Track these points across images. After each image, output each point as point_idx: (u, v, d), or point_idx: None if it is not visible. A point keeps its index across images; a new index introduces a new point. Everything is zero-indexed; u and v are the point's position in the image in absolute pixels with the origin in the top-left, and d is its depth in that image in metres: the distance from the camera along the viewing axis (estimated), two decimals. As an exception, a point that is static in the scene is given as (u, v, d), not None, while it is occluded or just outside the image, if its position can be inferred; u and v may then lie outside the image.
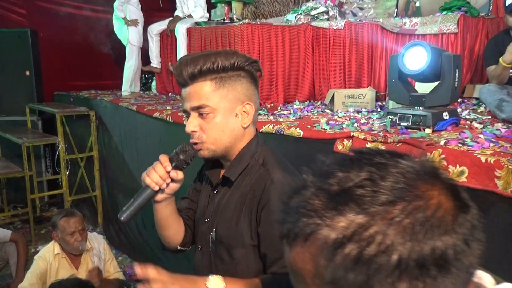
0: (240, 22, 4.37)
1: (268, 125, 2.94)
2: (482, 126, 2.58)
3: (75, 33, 6.24)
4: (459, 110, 3.05)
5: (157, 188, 1.25)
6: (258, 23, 4.38)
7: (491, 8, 3.90)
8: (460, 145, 2.16)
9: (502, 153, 2.00)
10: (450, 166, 2.02)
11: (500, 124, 2.60)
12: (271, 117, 3.32)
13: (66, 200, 5.11)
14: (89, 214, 5.45)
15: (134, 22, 5.27)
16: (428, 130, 2.46)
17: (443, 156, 2.06)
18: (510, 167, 1.84)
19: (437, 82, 2.62)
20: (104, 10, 6.33)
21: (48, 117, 5.60)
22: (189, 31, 4.76)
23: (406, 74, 2.64)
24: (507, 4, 2.99)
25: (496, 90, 2.87)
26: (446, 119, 2.55)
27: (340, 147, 2.47)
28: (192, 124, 1.26)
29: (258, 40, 4.12)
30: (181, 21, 4.92)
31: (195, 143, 1.28)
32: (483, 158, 1.94)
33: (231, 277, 1.20)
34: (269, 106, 3.86)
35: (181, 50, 4.83)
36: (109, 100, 4.93)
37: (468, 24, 3.61)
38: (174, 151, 1.28)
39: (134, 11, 5.34)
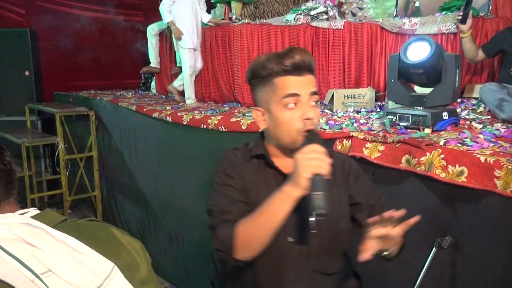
0: (240, 22, 4.37)
1: (267, 125, 2.93)
2: (481, 126, 2.58)
3: (74, 33, 6.24)
4: (458, 110, 3.05)
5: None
6: (257, 23, 4.37)
7: (490, 8, 3.90)
8: (459, 145, 2.16)
9: (501, 153, 2.00)
10: (449, 166, 2.02)
11: (499, 124, 2.60)
12: (271, 117, 3.31)
13: (65, 200, 5.11)
14: (89, 214, 5.45)
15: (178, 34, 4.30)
16: (427, 130, 2.46)
17: (442, 156, 2.06)
18: (509, 167, 1.84)
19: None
20: (104, 10, 6.32)
21: (48, 117, 5.60)
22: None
23: (407, 69, 2.62)
24: None
25: (496, 89, 2.87)
26: (445, 119, 2.55)
27: (339, 147, 2.47)
28: (315, 111, 1.32)
29: (257, 40, 4.12)
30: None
31: (309, 130, 1.29)
32: (482, 158, 1.94)
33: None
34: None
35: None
36: (109, 100, 4.92)
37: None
38: (306, 140, 1.24)
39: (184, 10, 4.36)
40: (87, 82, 6.45)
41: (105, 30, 6.22)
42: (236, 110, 3.77)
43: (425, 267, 2.04)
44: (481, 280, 1.98)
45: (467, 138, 2.27)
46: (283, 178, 1.34)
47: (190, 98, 4.34)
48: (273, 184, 1.35)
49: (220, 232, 1.27)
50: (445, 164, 2.04)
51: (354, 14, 4.76)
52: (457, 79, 2.54)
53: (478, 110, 3.09)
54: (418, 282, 2.03)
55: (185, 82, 4.35)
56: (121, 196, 4.83)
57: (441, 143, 2.19)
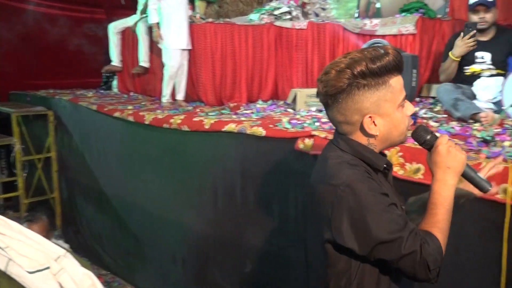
0: (204, 21, 4.34)
1: (230, 124, 2.93)
2: (438, 124, 2.65)
3: (32, 31, 6.03)
4: (416, 109, 3.12)
5: None
6: (221, 22, 4.36)
7: (447, 10, 4.02)
8: (416, 143, 2.21)
9: (456, 151, 2.05)
10: (407, 164, 2.07)
11: (454, 123, 2.68)
12: (234, 116, 3.32)
13: (22, 203, 4.94)
14: (47, 216, 5.28)
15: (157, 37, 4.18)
16: (387, 129, 2.50)
17: (401, 154, 2.10)
18: (463, 164, 1.89)
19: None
20: (63, 7, 6.16)
21: (4, 117, 5.39)
22: (151, 30, 4.67)
23: None
24: (470, 3, 3.09)
25: (452, 89, 2.96)
26: (404, 118, 2.60)
27: (301, 146, 2.49)
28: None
29: (221, 39, 4.11)
30: (143, 19, 4.83)
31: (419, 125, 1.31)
32: (438, 156, 1.99)
33: None
34: (232, 105, 3.85)
35: (143, 49, 4.75)
36: (68, 99, 4.80)
37: (425, 26, 3.70)
38: (425, 135, 1.27)
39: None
40: (46, 81, 6.24)
41: (64, 28, 6.04)
42: (199, 110, 3.74)
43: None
44: (443, 269, 2.04)
45: (424, 136, 2.32)
46: (382, 175, 1.30)
47: (165, 96, 4.25)
48: (385, 184, 1.30)
49: (428, 251, 1.11)
50: (403, 161, 2.09)
51: (317, 15, 4.81)
52: (413, 79, 2.60)
53: (435, 109, 3.17)
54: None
55: (164, 80, 4.23)
56: (82, 197, 4.71)
57: (400, 141, 2.24)
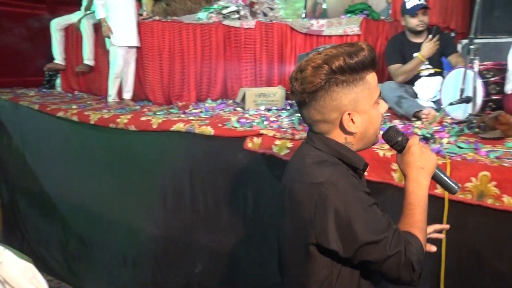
0: (151, 19, 4.27)
1: (179, 123, 2.91)
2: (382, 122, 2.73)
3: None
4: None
5: None
6: (169, 20, 4.31)
7: (390, 12, 4.16)
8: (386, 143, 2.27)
9: (398, 148, 2.13)
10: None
11: (397, 121, 2.79)
12: (183, 115, 3.29)
13: (-42, 208, 4.67)
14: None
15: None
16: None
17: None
18: (405, 160, 1.97)
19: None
20: (2, 2, 5.86)
21: None
22: (96, 27, 4.55)
23: None
24: (408, 7, 3.20)
25: (396, 87, 3.07)
26: (349, 116, 2.67)
27: (250, 145, 2.51)
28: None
29: (169, 37, 4.06)
30: (87, 16, 4.69)
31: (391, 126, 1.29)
32: (381, 153, 2.07)
33: None
34: (180, 104, 3.81)
35: (87, 47, 4.61)
36: (8, 98, 4.58)
37: (370, 27, 3.82)
38: (396, 137, 1.25)
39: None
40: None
41: (3, 23, 5.76)
42: (147, 109, 3.68)
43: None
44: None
45: (368, 134, 2.39)
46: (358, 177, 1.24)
47: (112, 95, 4.13)
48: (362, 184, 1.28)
49: (412, 251, 1.09)
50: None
51: (265, 14, 4.85)
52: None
53: (379, 108, 3.27)
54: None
55: (110, 79, 4.10)
56: (25, 201, 4.51)
57: (345, 139, 2.30)
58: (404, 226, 1.15)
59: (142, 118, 3.14)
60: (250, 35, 4.10)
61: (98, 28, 4.45)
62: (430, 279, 1.94)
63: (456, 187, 1.25)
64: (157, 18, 4.39)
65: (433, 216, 1.90)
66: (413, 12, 3.17)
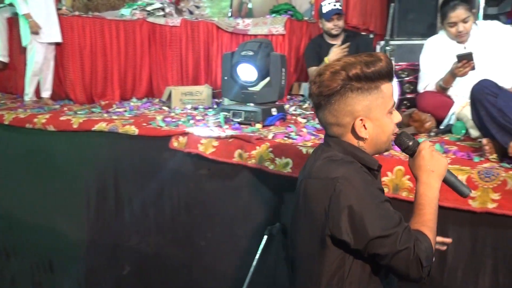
0: (70, 14, 4.09)
1: (101, 123, 2.83)
2: (305, 120, 2.82)
3: None
4: (287, 106, 3.29)
5: None
6: (90, 16, 4.15)
7: (313, 13, 4.28)
8: (286, 138, 2.33)
9: (320, 145, 2.21)
10: (277, 158, 2.17)
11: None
12: (105, 115, 3.19)
13: None
14: None
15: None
16: (258, 125, 2.60)
17: (271, 149, 2.20)
18: (326, 157, 2.04)
19: (267, 80, 2.79)
20: None
21: None
22: (10, 21, 4.28)
23: (236, 66, 2.78)
24: (324, 12, 3.32)
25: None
26: (274, 115, 2.73)
27: (175, 144, 2.48)
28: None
29: (90, 34, 3.92)
30: (0, 10, 4.40)
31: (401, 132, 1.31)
32: (304, 150, 2.13)
33: None
34: (103, 103, 3.69)
35: (1, 43, 4.32)
36: None
37: (294, 27, 3.91)
38: (408, 141, 1.27)
39: None
40: None
41: None
42: (67, 108, 3.52)
43: (258, 254, 2.16)
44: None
45: (292, 132, 2.46)
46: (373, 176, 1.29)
47: (28, 94, 3.88)
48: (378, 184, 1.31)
49: (421, 248, 1.12)
50: (273, 156, 2.18)
51: (191, 12, 4.81)
52: (283, 78, 2.74)
53: (304, 106, 3.37)
54: (252, 268, 2.15)
55: (27, 77, 3.84)
56: None
57: (270, 137, 2.35)
58: (414, 225, 1.19)
59: (62, 118, 3.01)
60: (176, 33, 4.05)
61: (13, 22, 4.19)
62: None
63: (467, 191, 1.28)
64: (77, 13, 4.22)
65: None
66: (328, 16, 3.30)
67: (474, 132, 2.23)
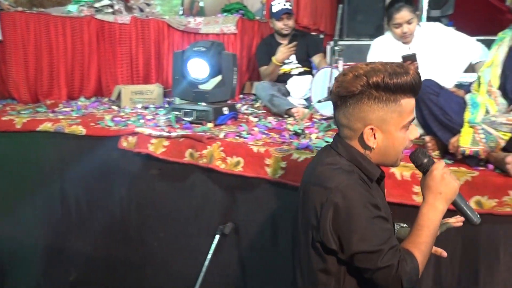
0: (13, 10, 3.91)
1: (46, 123, 2.73)
2: (257, 119, 2.84)
3: None
4: (239, 105, 3.30)
5: None
6: (34, 12, 3.98)
7: (264, 12, 4.31)
8: (237, 137, 2.33)
9: (271, 143, 2.23)
10: (228, 158, 2.17)
11: (272, 117, 2.90)
12: (51, 114, 3.08)
13: None
14: None
15: None
16: (210, 125, 2.59)
17: (222, 148, 2.20)
18: (277, 155, 2.07)
19: (218, 79, 2.79)
20: None
21: None
22: None
23: (195, 82, 2.77)
24: (274, 11, 3.35)
25: (268, 86, 3.20)
26: (226, 114, 2.73)
27: (124, 144, 2.43)
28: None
29: (34, 30, 3.75)
30: None
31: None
32: (255, 149, 2.14)
33: None
34: (49, 102, 3.55)
35: None
36: None
37: (245, 26, 3.92)
38: (423, 158, 1.25)
39: None
40: None
41: None
42: (10, 108, 3.37)
43: (210, 253, 2.15)
44: (263, 259, 2.20)
45: (244, 131, 2.46)
46: (376, 184, 1.30)
47: None
48: (381, 196, 1.32)
49: (405, 269, 1.11)
50: (224, 155, 2.18)
51: (141, 10, 4.72)
52: (234, 77, 2.74)
53: (255, 105, 3.39)
54: (204, 267, 2.14)
55: None
56: None
57: (221, 136, 2.34)
58: (408, 245, 1.18)
59: (4, 118, 2.89)
60: (125, 30, 3.96)
61: None
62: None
63: (475, 219, 1.25)
64: (20, 9, 4.04)
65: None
66: (278, 16, 3.34)
67: (418, 130, 2.31)
